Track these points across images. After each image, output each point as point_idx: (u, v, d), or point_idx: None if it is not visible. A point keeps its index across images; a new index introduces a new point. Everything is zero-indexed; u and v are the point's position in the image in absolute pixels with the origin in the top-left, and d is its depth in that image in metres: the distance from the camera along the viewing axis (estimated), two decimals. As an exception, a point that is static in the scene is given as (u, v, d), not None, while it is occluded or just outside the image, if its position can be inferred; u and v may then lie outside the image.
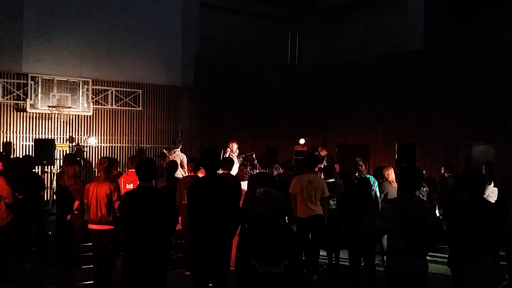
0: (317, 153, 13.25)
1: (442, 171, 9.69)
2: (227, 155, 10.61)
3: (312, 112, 16.20)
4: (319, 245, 7.47)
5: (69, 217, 7.49)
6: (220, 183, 5.03)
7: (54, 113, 12.20)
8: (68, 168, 7.67)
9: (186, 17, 14.37)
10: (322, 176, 8.86)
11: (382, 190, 8.45)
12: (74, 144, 12.53)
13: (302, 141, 15.06)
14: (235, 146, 11.02)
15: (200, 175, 7.20)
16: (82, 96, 12.52)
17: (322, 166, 10.25)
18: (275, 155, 14.56)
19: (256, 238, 3.57)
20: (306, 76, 16.35)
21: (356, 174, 8.78)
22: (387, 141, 13.77)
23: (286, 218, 8.08)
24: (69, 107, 12.21)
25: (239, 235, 3.90)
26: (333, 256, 7.98)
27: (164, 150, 12.34)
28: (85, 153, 12.71)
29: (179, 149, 11.66)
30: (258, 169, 8.65)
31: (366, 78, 14.57)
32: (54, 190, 10.91)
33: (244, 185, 8.38)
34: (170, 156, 11.29)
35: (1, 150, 11.38)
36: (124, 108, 13.37)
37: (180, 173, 9.97)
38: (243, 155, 11.65)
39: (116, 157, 12.61)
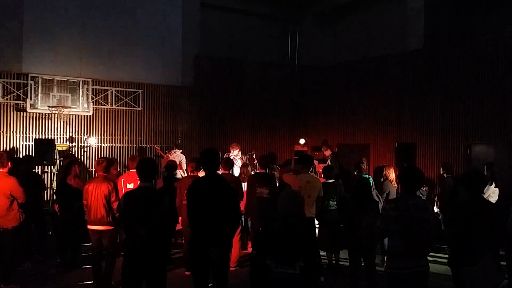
0: (316, 153, 13.29)
1: (441, 172, 9.69)
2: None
3: (312, 112, 16.19)
4: (317, 246, 7.46)
5: None
6: (219, 183, 5.03)
7: (54, 113, 12.20)
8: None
9: (186, 17, 14.37)
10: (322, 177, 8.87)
11: (384, 189, 8.44)
12: (73, 144, 12.54)
13: (302, 141, 15.05)
14: (235, 151, 10.93)
15: (201, 175, 7.20)
16: (82, 96, 12.52)
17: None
18: (275, 157, 14.54)
19: (273, 237, 3.55)
20: (306, 76, 16.35)
21: (356, 173, 8.78)
22: (387, 141, 13.76)
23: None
24: (69, 107, 12.21)
25: (255, 235, 3.87)
26: (333, 256, 7.98)
27: (160, 151, 12.30)
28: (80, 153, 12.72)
29: (180, 150, 11.64)
30: (258, 169, 8.66)
31: (366, 78, 14.56)
32: (54, 190, 10.92)
33: (244, 185, 8.40)
34: (170, 156, 11.28)
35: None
36: (124, 108, 13.37)
37: (179, 174, 9.96)
38: (243, 156, 11.64)
39: (116, 157, 12.63)
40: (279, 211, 3.61)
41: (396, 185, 8.34)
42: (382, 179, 8.60)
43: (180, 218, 7.40)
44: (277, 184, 8.84)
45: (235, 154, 10.83)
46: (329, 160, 11.41)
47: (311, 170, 8.72)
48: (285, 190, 3.91)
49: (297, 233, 3.56)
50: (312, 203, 7.26)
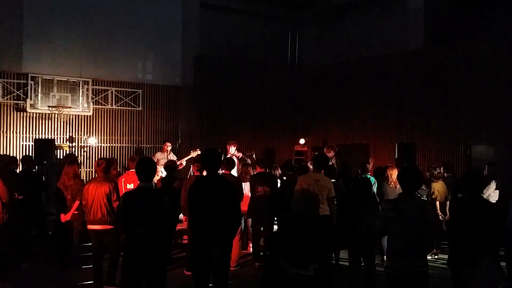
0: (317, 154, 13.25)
1: (441, 171, 9.68)
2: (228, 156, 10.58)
3: (312, 112, 16.19)
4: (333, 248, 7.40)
5: (63, 217, 7.44)
6: (220, 183, 5.03)
7: (54, 113, 12.20)
8: (68, 168, 7.66)
9: (186, 17, 14.37)
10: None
11: (379, 189, 8.44)
12: (74, 144, 12.53)
13: (302, 141, 15.05)
14: (232, 148, 10.92)
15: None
16: (82, 96, 12.52)
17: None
18: (273, 155, 14.51)
19: (289, 238, 3.53)
20: (306, 76, 16.34)
21: (359, 171, 8.77)
22: (387, 141, 13.76)
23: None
24: (69, 107, 12.21)
25: (270, 236, 3.85)
26: (333, 256, 7.98)
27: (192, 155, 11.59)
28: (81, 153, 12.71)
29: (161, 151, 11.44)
30: (257, 170, 8.64)
31: (366, 78, 14.56)
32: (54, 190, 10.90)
33: (245, 185, 8.39)
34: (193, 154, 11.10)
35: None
36: (124, 108, 13.37)
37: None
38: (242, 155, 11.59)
39: (116, 157, 12.63)
40: (295, 212, 3.59)
41: (394, 185, 8.32)
42: (383, 180, 8.59)
43: (184, 217, 7.42)
44: (279, 183, 8.86)
45: (233, 153, 10.82)
46: (334, 161, 11.36)
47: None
48: (301, 190, 3.89)
49: (313, 235, 3.54)
50: (322, 202, 7.20)
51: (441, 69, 12.58)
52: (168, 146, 11.41)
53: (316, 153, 11.65)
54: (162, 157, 10.95)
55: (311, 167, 8.51)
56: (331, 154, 11.84)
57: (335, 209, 7.70)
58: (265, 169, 8.59)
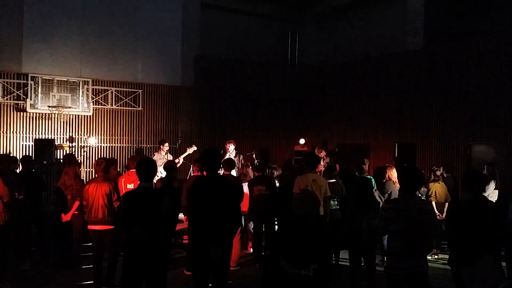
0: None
1: (441, 171, 9.69)
2: (227, 156, 10.59)
3: (312, 112, 16.19)
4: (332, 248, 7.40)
5: (64, 217, 7.44)
6: (221, 183, 5.04)
7: (54, 113, 12.20)
8: (69, 168, 7.67)
9: (186, 17, 14.37)
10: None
11: (386, 190, 8.44)
12: (73, 144, 12.52)
13: (302, 141, 15.05)
14: (231, 147, 10.95)
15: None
16: (82, 96, 12.52)
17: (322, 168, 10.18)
18: (268, 155, 14.44)
19: (289, 238, 3.54)
20: (306, 76, 16.35)
21: (357, 173, 8.77)
22: (387, 141, 13.76)
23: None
24: (69, 107, 12.20)
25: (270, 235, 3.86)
26: (334, 256, 7.98)
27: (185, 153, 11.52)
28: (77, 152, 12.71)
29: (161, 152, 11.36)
30: (254, 174, 8.63)
31: (366, 78, 14.57)
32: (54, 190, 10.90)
33: (244, 185, 8.40)
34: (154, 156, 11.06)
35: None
36: (124, 108, 13.36)
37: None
38: (242, 155, 11.59)
39: (116, 157, 12.63)
40: (295, 212, 3.60)
41: (398, 185, 8.33)
42: (384, 180, 8.59)
43: (184, 217, 7.42)
44: (277, 183, 8.86)
45: (230, 151, 10.84)
46: (328, 160, 11.35)
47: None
48: (301, 190, 3.90)
49: (313, 235, 3.55)
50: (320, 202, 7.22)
51: (441, 69, 12.58)
52: (166, 147, 11.40)
53: (306, 153, 11.61)
54: (159, 158, 10.92)
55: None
56: (322, 154, 11.85)
57: (336, 209, 7.71)
58: (262, 173, 8.60)
